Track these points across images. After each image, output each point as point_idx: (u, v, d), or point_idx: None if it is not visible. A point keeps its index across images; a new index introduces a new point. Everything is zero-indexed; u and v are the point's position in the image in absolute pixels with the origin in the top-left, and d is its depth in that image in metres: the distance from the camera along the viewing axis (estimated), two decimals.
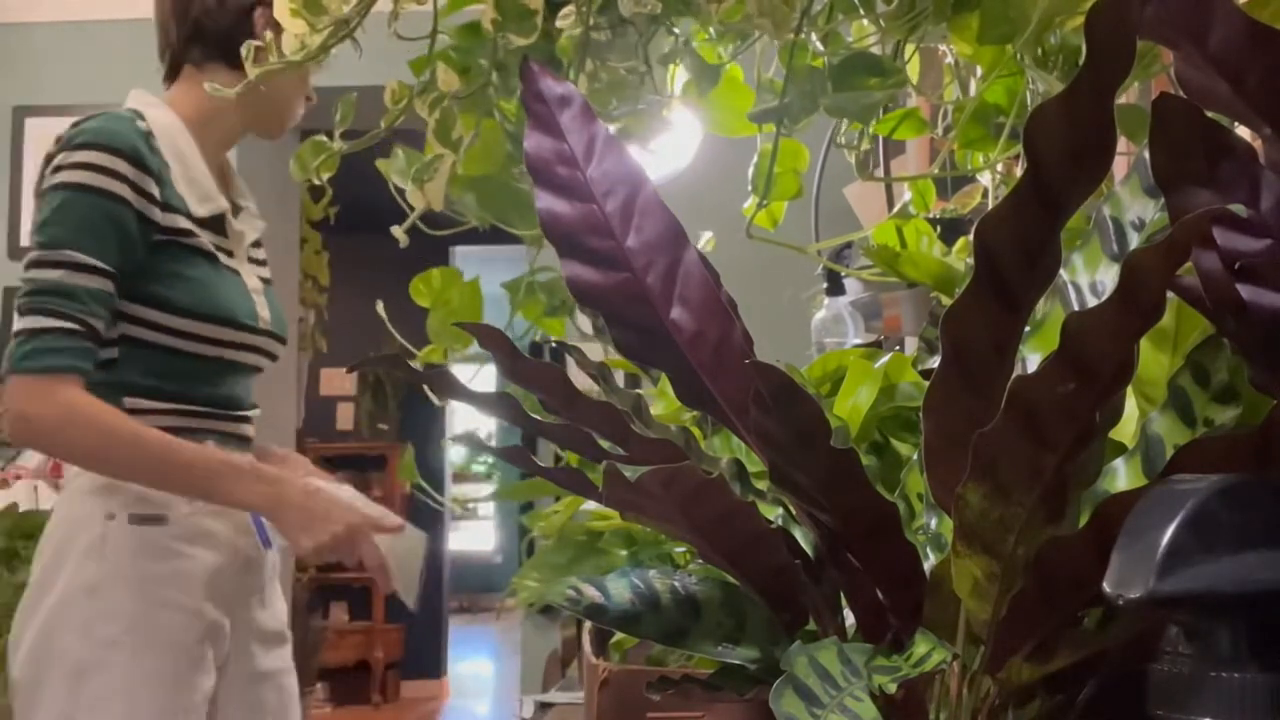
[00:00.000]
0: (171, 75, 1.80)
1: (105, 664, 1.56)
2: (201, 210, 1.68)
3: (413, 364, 0.77)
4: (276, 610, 1.79)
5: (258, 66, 0.95)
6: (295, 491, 1.63)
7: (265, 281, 1.81)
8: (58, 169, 1.61)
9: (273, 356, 1.80)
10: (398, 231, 1.02)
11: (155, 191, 1.62)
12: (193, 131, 1.73)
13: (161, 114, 1.70)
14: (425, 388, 0.78)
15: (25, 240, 4.33)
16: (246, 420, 1.76)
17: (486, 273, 1.20)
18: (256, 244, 1.82)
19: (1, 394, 1.59)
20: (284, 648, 1.79)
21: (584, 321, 1.12)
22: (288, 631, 1.82)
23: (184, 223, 1.65)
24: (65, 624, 1.58)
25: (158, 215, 1.62)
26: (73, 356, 1.55)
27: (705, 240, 1.21)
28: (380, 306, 1.12)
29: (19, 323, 1.57)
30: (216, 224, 1.72)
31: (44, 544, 1.67)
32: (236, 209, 1.80)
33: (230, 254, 1.72)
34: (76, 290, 1.55)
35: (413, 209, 1.01)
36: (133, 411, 1.61)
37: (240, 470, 1.63)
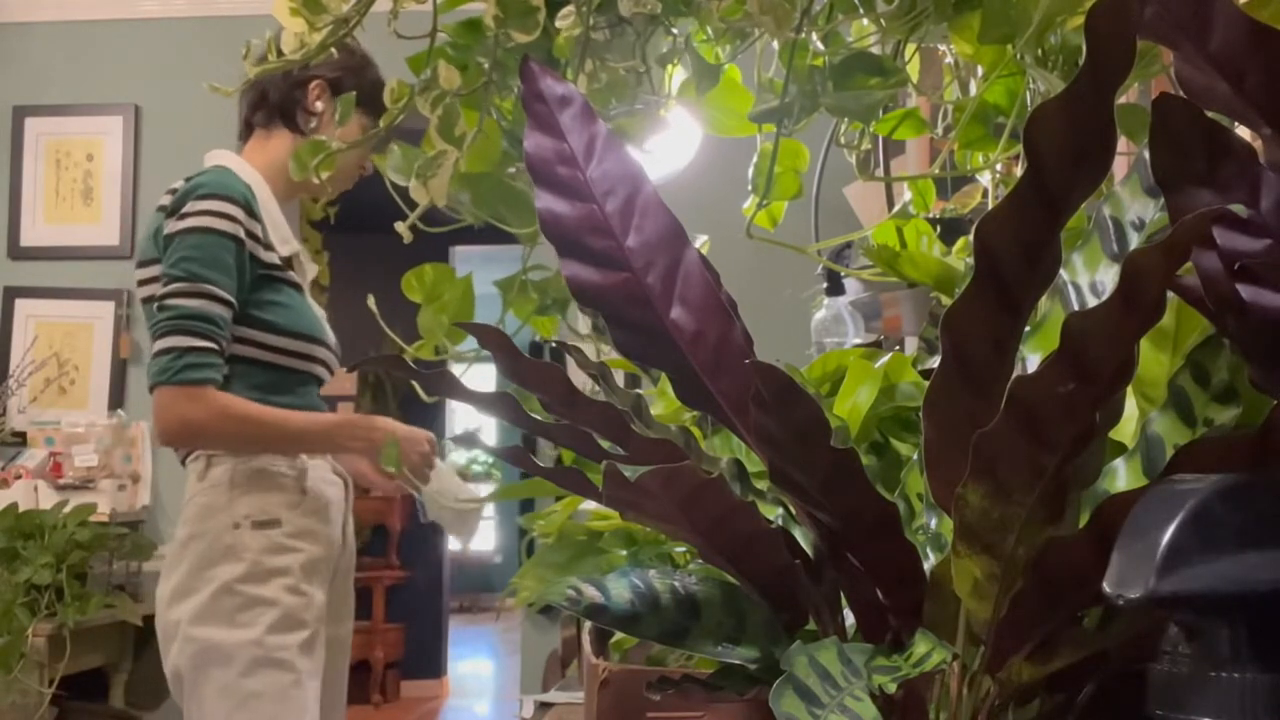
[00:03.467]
0: (244, 135, 2.17)
1: (259, 645, 1.92)
2: (284, 251, 2.05)
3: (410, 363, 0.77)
4: (351, 587, 2.20)
5: (256, 67, 0.95)
6: (380, 433, 2.08)
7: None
8: (186, 215, 1.96)
9: (332, 371, 2.15)
10: (401, 227, 1.02)
11: (259, 233, 1.99)
12: (270, 184, 2.09)
13: (248, 171, 2.06)
14: (416, 385, 0.78)
15: (25, 240, 4.33)
16: None
17: (487, 272, 1.20)
18: (313, 282, 2.23)
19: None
20: (350, 618, 2.21)
21: (576, 320, 1.12)
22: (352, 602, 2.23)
23: (277, 259, 2.02)
24: (213, 619, 1.93)
25: (261, 253, 1.99)
26: (214, 370, 1.93)
27: (700, 243, 1.21)
28: (371, 301, 1.12)
29: (165, 341, 1.92)
30: (290, 262, 2.08)
31: (180, 553, 2.03)
32: None
33: (301, 288, 2.10)
34: (213, 316, 1.92)
35: (412, 205, 1.01)
36: None
37: (342, 425, 2.11)
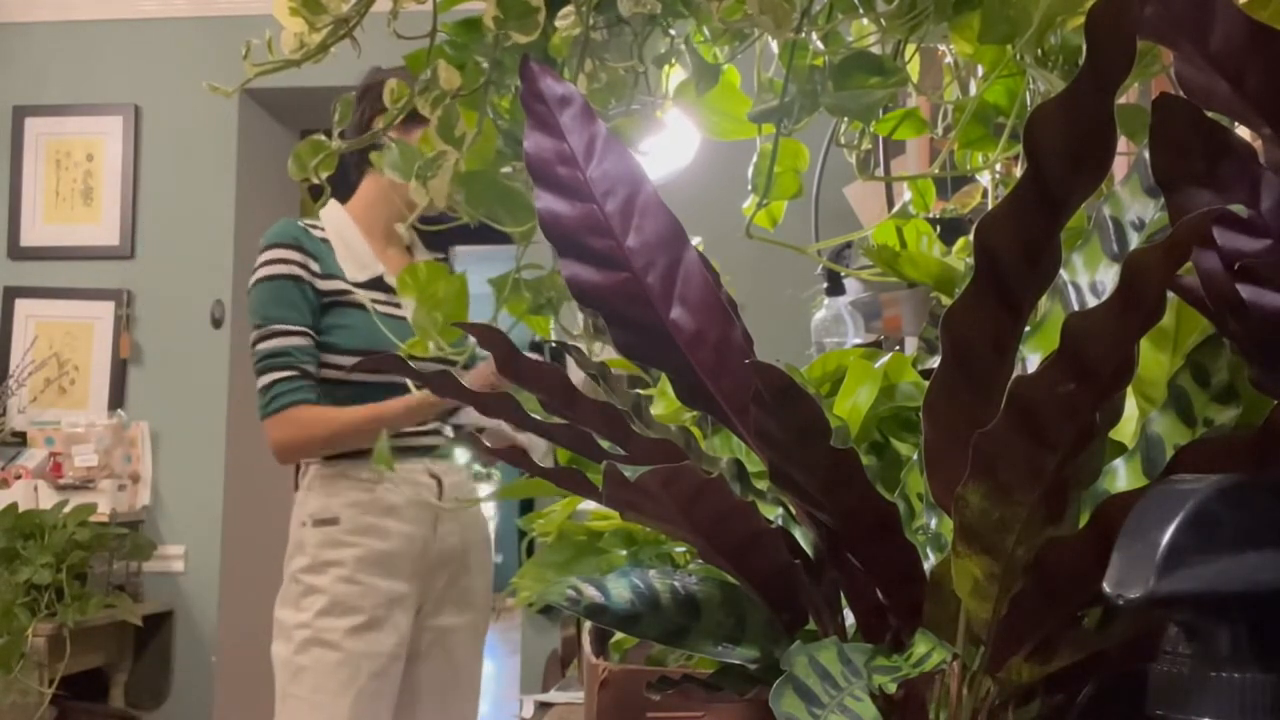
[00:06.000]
0: (355, 190, 2.47)
1: (308, 627, 2.23)
2: (360, 276, 2.33)
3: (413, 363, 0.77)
4: (471, 581, 2.39)
5: (256, 68, 0.95)
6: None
7: None
8: (254, 269, 2.31)
9: None
10: (400, 228, 1.02)
11: (316, 267, 2.30)
12: (360, 219, 2.39)
13: (333, 212, 2.39)
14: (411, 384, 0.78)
15: (25, 240, 4.33)
16: (426, 434, 2.34)
17: (483, 271, 1.21)
18: None
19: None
20: (474, 610, 2.41)
21: (569, 319, 1.12)
22: (482, 597, 2.43)
23: (342, 285, 2.30)
24: (284, 603, 2.29)
25: (320, 284, 2.30)
26: (295, 394, 2.26)
27: (695, 243, 1.21)
28: (368, 300, 1.13)
29: (259, 382, 2.28)
30: (378, 283, 2.33)
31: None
32: None
33: (398, 305, 2.27)
34: (287, 349, 2.26)
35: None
36: None
37: (423, 404, 2.23)
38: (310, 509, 2.30)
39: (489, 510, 2.56)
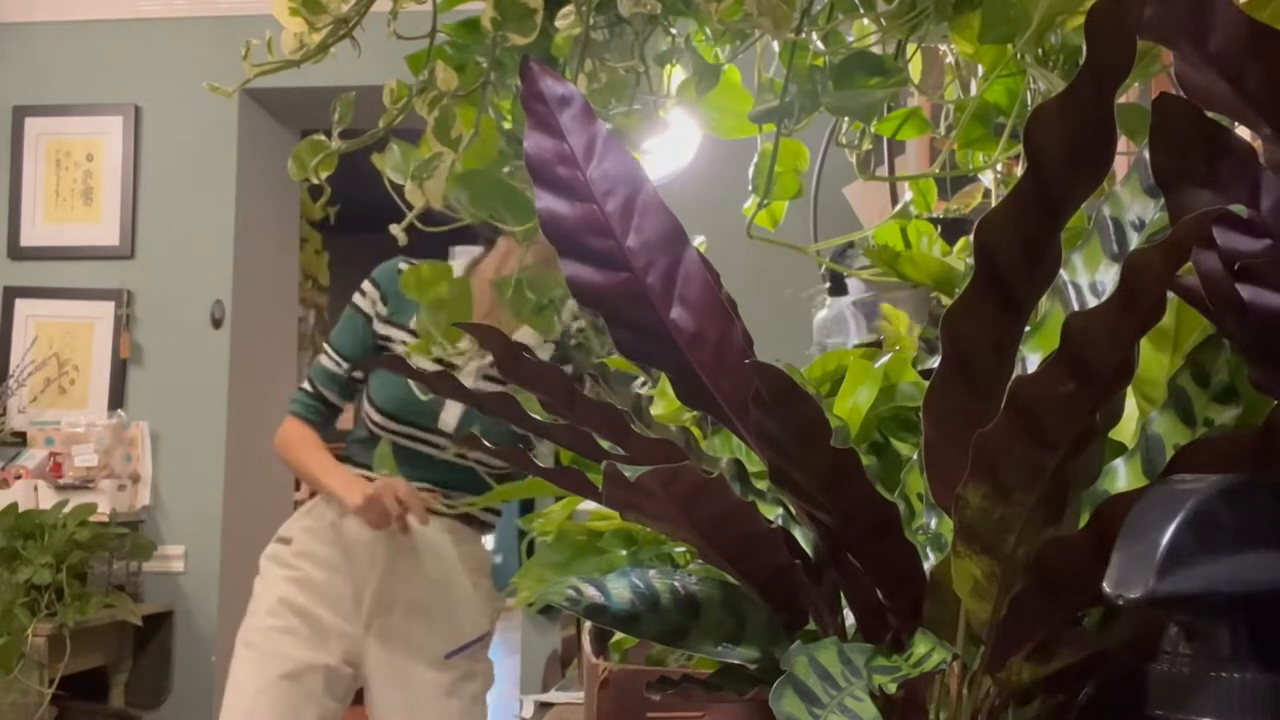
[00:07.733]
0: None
1: (250, 642, 2.31)
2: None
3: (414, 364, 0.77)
4: (438, 624, 2.36)
5: (256, 68, 0.95)
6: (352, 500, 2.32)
7: None
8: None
9: (461, 455, 2.38)
10: (396, 230, 1.03)
11: (383, 310, 2.39)
12: (482, 273, 2.34)
13: (457, 260, 2.44)
14: (414, 384, 0.78)
15: (25, 240, 4.33)
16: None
17: None
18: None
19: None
20: (437, 657, 2.34)
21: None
22: (460, 636, 2.37)
23: (393, 333, 2.37)
24: (247, 611, 2.36)
25: (378, 326, 2.39)
26: (298, 406, 2.43)
27: (696, 243, 1.21)
28: (366, 298, 1.14)
29: None
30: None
31: None
32: None
33: (453, 367, 2.24)
34: (319, 366, 2.44)
35: (410, 206, 1.01)
36: None
37: (347, 482, 2.32)
38: (282, 529, 2.42)
39: (490, 545, 2.51)
